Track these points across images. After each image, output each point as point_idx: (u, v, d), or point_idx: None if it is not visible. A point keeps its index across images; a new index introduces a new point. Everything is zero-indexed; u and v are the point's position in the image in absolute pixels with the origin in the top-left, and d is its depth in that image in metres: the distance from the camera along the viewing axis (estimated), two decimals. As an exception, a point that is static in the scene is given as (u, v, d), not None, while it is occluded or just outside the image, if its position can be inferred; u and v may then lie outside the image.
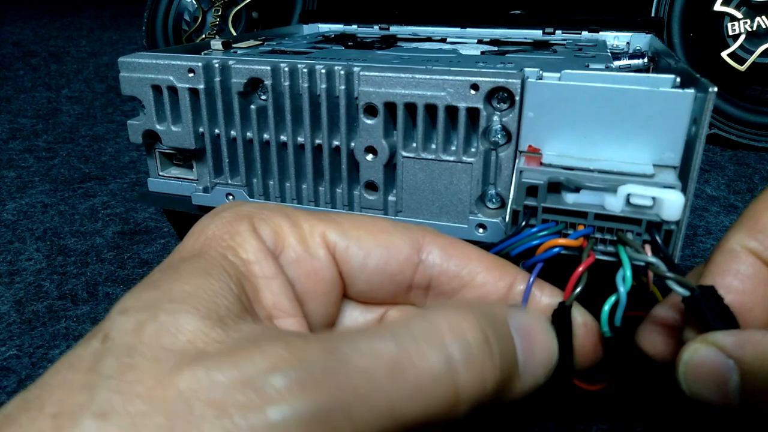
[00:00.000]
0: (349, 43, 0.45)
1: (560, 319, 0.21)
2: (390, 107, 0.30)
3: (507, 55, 0.39)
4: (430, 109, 0.29)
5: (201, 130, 0.33)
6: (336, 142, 0.32)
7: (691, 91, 0.25)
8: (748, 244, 0.20)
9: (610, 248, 0.23)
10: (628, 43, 0.50)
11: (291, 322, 0.18)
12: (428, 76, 0.28)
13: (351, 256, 0.20)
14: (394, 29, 0.56)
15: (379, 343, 0.15)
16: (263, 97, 0.32)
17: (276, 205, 0.21)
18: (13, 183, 0.59)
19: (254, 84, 0.32)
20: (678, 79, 0.27)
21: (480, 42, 0.47)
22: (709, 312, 0.19)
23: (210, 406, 0.13)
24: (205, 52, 0.38)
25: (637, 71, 0.40)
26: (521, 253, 0.23)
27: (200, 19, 0.89)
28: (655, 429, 0.28)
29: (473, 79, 0.28)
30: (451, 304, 0.18)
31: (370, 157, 0.31)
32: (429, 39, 0.49)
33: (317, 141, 0.32)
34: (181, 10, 0.91)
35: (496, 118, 0.28)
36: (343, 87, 0.30)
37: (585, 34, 0.50)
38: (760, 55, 0.65)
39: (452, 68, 0.30)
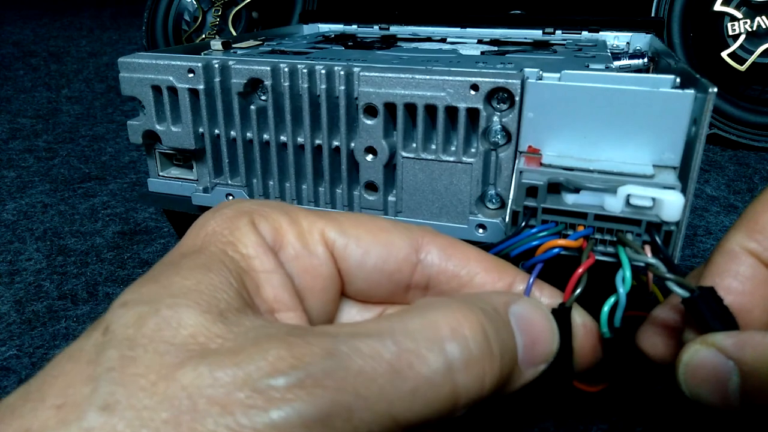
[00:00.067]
0: (349, 44, 0.45)
1: (560, 320, 0.21)
2: (390, 107, 0.30)
3: (507, 55, 0.39)
4: (430, 110, 0.29)
5: (201, 130, 0.33)
6: (336, 143, 0.32)
7: (691, 91, 0.25)
8: (747, 245, 0.20)
9: (610, 249, 0.23)
10: (628, 43, 0.50)
11: (292, 316, 0.18)
12: (428, 77, 0.28)
13: (350, 254, 0.20)
14: (394, 29, 0.56)
15: (378, 344, 0.15)
16: (263, 98, 0.32)
17: (276, 202, 0.21)
18: (13, 183, 0.59)
19: (254, 84, 0.32)
20: (678, 80, 0.27)
21: (480, 42, 0.47)
22: (709, 313, 0.19)
23: (213, 404, 0.13)
24: (205, 52, 0.38)
25: (637, 71, 0.40)
26: (521, 254, 0.23)
27: (200, 19, 0.89)
28: (655, 429, 0.28)
29: (473, 79, 0.28)
30: (451, 299, 0.18)
31: (369, 157, 0.31)
32: (429, 39, 0.49)
33: (317, 141, 0.32)
34: (181, 10, 0.91)
35: (495, 118, 0.28)
36: (342, 87, 0.30)
37: (585, 34, 0.50)
38: (760, 55, 0.65)
39: (452, 68, 0.30)
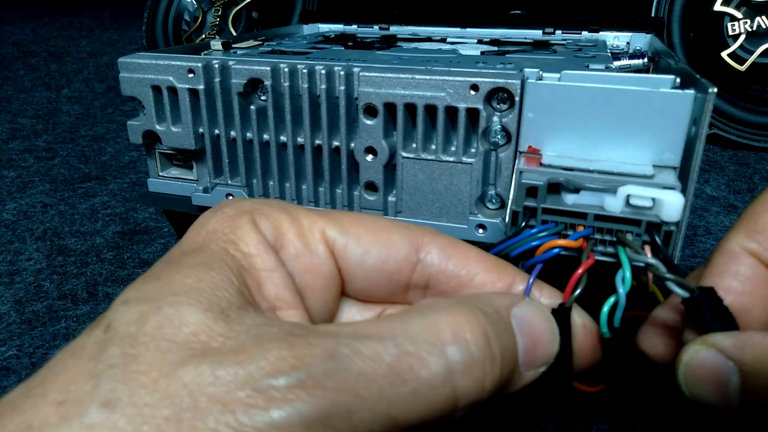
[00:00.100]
0: (349, 44, 0.45)
1: (560, 320, 0.20)
2: (390, 108, 0.30)
3: (507, 55, 0.39)
4: (430, 110, 0.29)
5: (201, 130, 0.33)
6: (336, 143, 0.32)
7: (691, 91, 0.25)
8: (747, 246, 0.20)
9: (610, 249, 0.23)
10: (628, 43, 0.50)
11: (293, 314, 0.18)
12: (428, 77, 0.28)
13: (350, 253, 0.20)
14: (394, 29, 0.56)
15: (379, 346, 0.15)
16: (263, 98, 0.32)
17: (276, 201, 0.21)
18: (13, 183, 0.59)
19: (254, 84, 0.32)
20: (678, 80, 0.27)
21: (480, 42, 0.47)
22: (709, 313, 0.19)
23: (214, 402, 0.13)
24: (205, 52, 0.38)
25: (637, 71, 0.40)
26: (521, 254, 0.23)
27: (200, 19, 0.89)
28: (655, 429, 0.28)
29: (473, 79, 0.28)
30: (452, 301, 0.18)
31: (369, 157, 0.31)
32: (429, 39, 0.49)
33: (317, 141, 0.32)
34: (181, 10, 0.91)
35: (495, 118, 0.28)
36: (342, 87, 0.30)
37: (585, 34, 0.50)
38: (760, 55, 0.65)
39: (452, 69, 0.30)
